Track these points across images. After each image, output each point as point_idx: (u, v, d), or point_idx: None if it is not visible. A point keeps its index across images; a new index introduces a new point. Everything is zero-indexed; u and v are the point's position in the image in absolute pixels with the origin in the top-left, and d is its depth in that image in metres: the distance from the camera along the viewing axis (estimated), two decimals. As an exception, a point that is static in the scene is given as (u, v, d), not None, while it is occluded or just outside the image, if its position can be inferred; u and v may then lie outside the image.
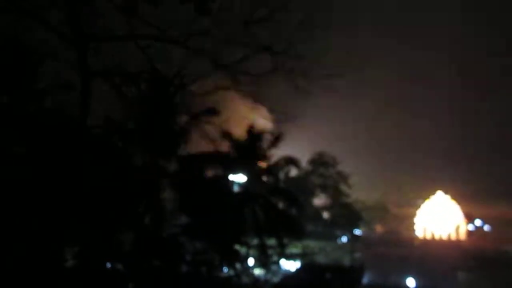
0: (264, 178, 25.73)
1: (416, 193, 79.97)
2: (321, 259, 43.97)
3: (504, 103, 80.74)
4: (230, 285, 19.90)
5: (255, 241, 24.64)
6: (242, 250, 22.57)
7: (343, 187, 54.42)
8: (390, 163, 73.64)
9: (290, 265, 36.95)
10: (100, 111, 16.28)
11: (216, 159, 20.58)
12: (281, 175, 28.35)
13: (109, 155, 16.85)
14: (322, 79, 15.06)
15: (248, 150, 24.62)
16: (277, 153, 25.95)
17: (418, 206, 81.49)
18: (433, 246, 71.34)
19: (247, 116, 22.21)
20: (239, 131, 24.26)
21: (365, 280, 40.87)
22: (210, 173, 20.84)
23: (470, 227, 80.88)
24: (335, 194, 54.21)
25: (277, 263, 32.99)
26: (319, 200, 54.94)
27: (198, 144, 19.26)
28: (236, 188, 24.70)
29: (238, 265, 20.80)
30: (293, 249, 34.22)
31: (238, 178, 24.58)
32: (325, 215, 55.62)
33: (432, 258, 57.57)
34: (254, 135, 24.71)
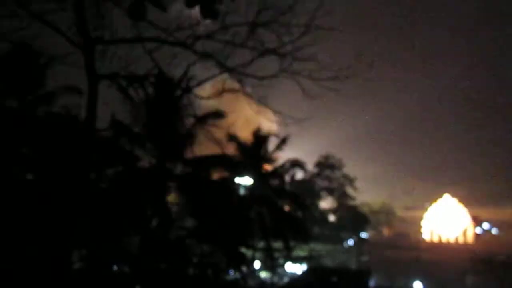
0: (270, 181, 25.72)
1: (423, 196, 79.66)
2: (327, 262, 43.84)
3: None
4: (236, 288, 19.91)
5: (261, 244, 24.63)
6: (249, 253, 22.56)
7: (350, 190, 54.26)
8: (397, 166, 73.41)
9: (296, 268, 36.89)
10: (107, 114, 16.36)
11: (223, 162, 20.60)
12: (287, 178, 28.33)
13: (116, 158, 16.94)
14: (328, 82, 15.04)
15: (254, 152, 24.65)
16: (283, 156, 25.98)
17: (425, 209, 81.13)
18: (440, 249, 70.98)
19: (253, 119, 22.22)
20: (245, 134, 24.30)
21: (372, 283, 40.70)
22: (216, 175, 20.87)
23: (478, 230, 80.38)
24: (341, 197, 54.05)
25: (283, 266, 32.96)
26: (325, 203, 54.83)
27: (204, 147, 19.28)
28: (242, 191, 24.72)
29: (244, 268, 20.78)
30: (299, 252, 34.15)
31: (244, 180, 24.60)
32: (332, 218, 55.46)
33: (440, 262, 57.26)
34: (260, 137, 24.74)
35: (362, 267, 45.76)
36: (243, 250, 21.03)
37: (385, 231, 77.84)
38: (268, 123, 23.01)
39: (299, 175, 34.19)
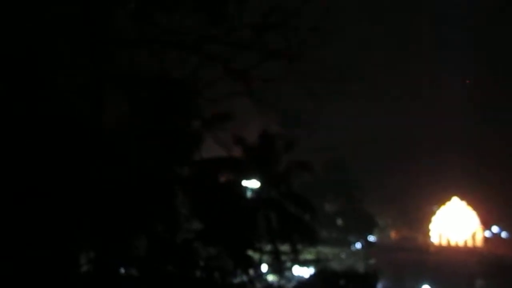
0: (277, 184, 25.68)
1: (431, 199, 79.10)
2: (335, 265, 43.65)
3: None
4: (243, 291, 19.85)
5: (268, 247, 24.57)
6: (256, 256, 22.51)
7: (357, 193, 54.05)
8: (405, 168, 72.96)
9: (304, 272, 36.77)
10: (113, 116, 16.40)
11: (229, 164, 20.62)
12: (294, 181, 28.25)
13: (122, 161, 16.96)
14: (335, 84, 14.99)
15: (261, 155, 24.62)
16: (290, 158, 25.91)
17: (433, 212, 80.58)
18: (449, 253, 70.42)
19: (260, 121, 22.21)
20: (252, 137, 24.29)
21: (380, 286, 40.46)
22: (223, 178, 20.86)
23: (487, 233, 79.68)
24: (349, 199, 53.87)
25: (291, 269, 32.85)
26: (332, 206, 54.65)
27: (211, 150, 19.30)
28: (249, 194, 24.69)
29: (251, 271, 20.73)
30: (307, 255, 34.03)
31: (251, 183, 24.58)
32: (339, 221, 55.26)
33: (448, 265, 56.82)
34: (267, 140, 24.71)
35: (370, 271, 45.46)
36: (250, 253, 20.98)
37: (393, 234, 77.40)
38: (275, 126, 23.01)
39: (306, 177, 34.12)
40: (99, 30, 13.80)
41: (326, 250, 43.94)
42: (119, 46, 14.34)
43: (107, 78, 14.29)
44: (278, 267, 26.81)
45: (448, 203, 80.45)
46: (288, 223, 24.87)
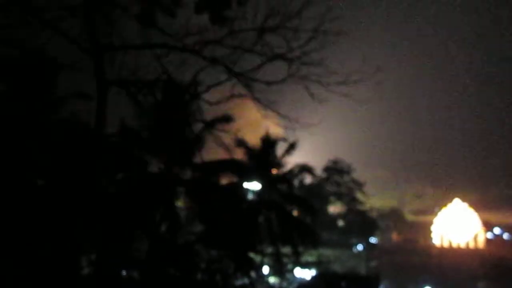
0: (279, 186, 25.67)
1: (433, 201, 79.04)
2: (336, 267, 43.57)
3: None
4: (245, 293, 19.85)
5: (270, 249, 24.55)
6: (257, 258, 22.51)
7: (359, 195, 53.98)
8: (406, 171, 72.97)
9: (305, 274, 36.72)
10: (117, 119, 16.46)
11: (231, 166, 20.61)
12: (296, 183, 28.26)
13: (125, 163, 17.02)
14: (336, 86, 15.01)
15: (263, 157, 24.62)
16: (291, 161, 25.91)
17: (435, 214, 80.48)
18: (450, 255, 70.27)
19: (261, 123, 22.24)
20: (254, 139, 24.30)
21: (382, 289, 40.42)
22: (225, 181, 20.88)
23: (489, 235, 79.53)
24: (350, 201, 53.78)
25: (292, 271, 32.82)
26: (334, 208, 54.58)
27: (212, 152, 19.31)
28: (250, 196, 24.69)
29: (253, 273, 20.73)
30: (308, 257, 33.96)
31: (253, 185, 24.57)
32: (340, 223, 55.18)
33: (450, 267, 56.72)
34: (268, 142, 24.71)
35: (371, 273, 45.43)
36: (252, 255, 20.98)
37: (395, 236, 77.29)
38: (277, 128, 23.03)
39: (308, 180, 34.14)
40: (102, 33, 13.86)
41: (327, 252, 43.85)
42: (122, 50, 14.39)
43: (110, 82, 14.34)
44: (280, 269, 26.79)
45: (449, 205, 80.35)
46: (290, 225, 24.84)
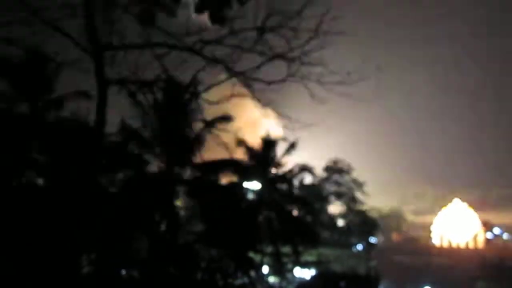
0: (279, 186, 25.68)
1: (433, 201, 79.08)
2: (336, 267, 43.55)
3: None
4: (244, 293, 19.86)
5: (269, 249, 24.57)
6: (257, 257, 22.52)
7: (359, 195, 53.94)
8: (406, 171, 73.04)
9: (305, 273, 36.71)
10: (117, 119, 16.47)
11: (231, 166, 20.62)
12: (296, 182, 28.27)
13: (125, 163, 17.03)
14: (337, 86, 15.01)
15: (263, 157, 24.64)
16: (291, 160, 25.93)
17: (435, 214, 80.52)
18: (450, 255, 70.29)
19: (261, 123, 22.25)
20: (254, 139, 24.32)
21: (381, 288, 40.42)
22: (225, 180, 20.89)
23: (489, 235, 79.56)
24: (350, 201, 53.74)
25: (292, 271, 32.84)
26: (334, 208, 54.56)
27: (212, 151, 19.32)
28: (250, 196, 24.69)
29: (252, 273, 20.74)
30: (308, 257, 33.95)
31: (253, 185, 24.58)
32: (340, 222, 55.14)
33: (450, 267, 56.74)
34: (268, 142, 24.73)
35: (371, 273, 45.37)
36: (252, 254, 20.99)
37: (395, 236, 77.29)
38: (277, 128, 23.04)
39: (308, 179, 34.11)
40: (102, 33, 13.87)
41: (327, 252, 43.81)
42: (122, 49, 14.39)
43: (110, 81, 14.35)
44: (279, 269, 26.82)
45: (449, 205, 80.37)
46: (290, 225, 24.86)
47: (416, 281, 48.00)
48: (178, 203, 18.41)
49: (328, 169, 52.48)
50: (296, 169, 26.40)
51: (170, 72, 15.33)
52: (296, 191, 28.35)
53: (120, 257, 16.07)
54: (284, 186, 26.04)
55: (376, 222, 57.91)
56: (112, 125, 15.89)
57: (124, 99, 15.61)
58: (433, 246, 77.36)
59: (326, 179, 51.84)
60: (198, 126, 18.65)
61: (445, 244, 78.76)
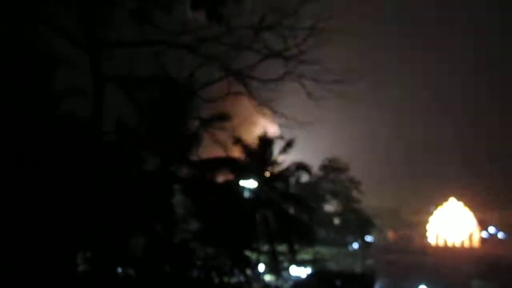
0: (275, 184, 25.68)
1: (428, 200, 79.27)
2: (332, 265, 43.67)
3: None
4: (240, 291, 19.85)
5: (266, 247, 24.57)
6: (253, 256, 22.51)
7: (355, 193, 54.04)
8: (402, 170, 73.14)
9: (301, 272, 36.76)
10: (113, 116, 16.42)
11: (227, 164, 20.60)
12: (292, 181, 28.26)
13: (121, 161, 16.97)
14: (333, 85, 15.05)
15: (259, 155, 24.61)
16: (288, 159, 25.92)
17: (430, 213, 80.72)
18: (446, 254, 70.52)
19: (258, 121, 22.24)
20: (250, 137, 24.28)
21: (377, 287, 40.50)
22: (221, 178, 20.86)
23: (484, 234, 79.84)
24: (347, 200, 53.83)
25: (288, 269, 32.87)
26: (330, 206, 54.61)
27: (209, 150, 19.31)
28: (247, 194, 24.68)
29: (248, 271, 20.73)
30: (304, 256, 34.00)
31: (249, 183, 24.56)
32: (336, 221, 55.22)
33: (445, 266, 56.93)
34: (265, 140, 24.70)
35: (367, 271, 45.48)
36: (248, 253, 20.98)
37: (390, 235, 77.49)
38: (273, 126, 23.04)
39: (304, 178, 34.12)
40: (99, 30, 13.83)
41: (323, 250, 43.88)
42: (118, 47, 14.36)
43: (106, 78, 14.31)
44: (275, 267, 26.84)
45: (445, 204, 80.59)
46: (286, 223, 24.86)
47: (412, 280, 48.13)
48: (174, 201, 18.38)
49: (324, 167, 52.55)
50: (293, 168, 26.39)
51: (167, 70, 15.32)
52: (292, 190, 28.34)
53: (116, 255, 16.04)
54: (280, 185, 26.02)
55: (372, 221, 58.01)
56: (108, 123, 15.85)
57: (120, 97, 15.59)
58: (429, 245, 77.57)
59: (322, 178, 51.90)
60: (194, 124, 18.62)
61: (441, 243, 78.99)
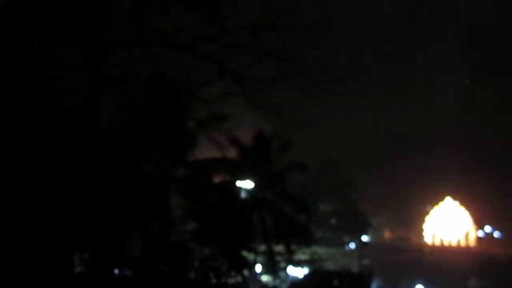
0: (272, 184, 25.68)
1: (425, 199, 79.45)
2: (329, 265, 43.73)
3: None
4: (238, 292, 19.85)
5: (263, 248, 24.57)
6: (250, 256, 22.51)
7: (351, 193, 54.21)
8: (399, 169, 73.29)
9: (298, 272, 36.80)
10: (109, 117, 16.37)
11: (224, 165, 20.60)
12: (289, 181, 28.28)
13: (117, 161, 16.92)
14: (330, 85, 15.05)
15: (256, 156, 24.61)
16: (285, 159, 25.92)
17: (427, 212, 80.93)
18: (442, 253, 70.73)
19: (254, 121, 22.24)
20: (247, 137, 24.27)
21: (374, 287, 40.58)
22: (218, 179, 20.85)
23: (480, 233, 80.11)
24: (343, 200, 54.01)
25: (285, 269, 32.88)
26: (327, 206, 54.74)
27: (206, 150, 19.30)
28: (244, 194, 24.68)
29: (246, 272, 20.73)
30: (301, 256, 34.03)
31: (246, 184, 24.56)
32: (333, 221, 55.36)
33: (442, 265, 57.09)
34: (261, 141, 24.70)
35: (364, 271, 45.56)
36: (245, 253, 20.98)
37: (387, 234, 77.67)
38: (270, 126, 23.04)
39: (301, 178, 34.15)
40: (94, 30, 13.79)
41: (320, 250, 43.99)
42: (114, 47, 14.32)
43: (102, 79, 14.27)
44: (273, 268, 26.83)
45: (441, 203, 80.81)
46: (283, 224, 24.87)
47: (409, 279, 48.29)
48: (171, 201, 18.35)
49: (321, 167, 52.68)
50: (290, 168, 26.40)
51: (163, 70, 15.30)
52: (289, 190, 28.35)
53: (113, 256, 16.00)
54: (277, 185, 26.02)
55: (368, 220, 58.20)
56: (104, 123, 15.81)
57: (116, 97, 15.54)
58: (426, 244, 77.75)
59: (319, 178, 52.03)
60: (191, 124, 18.60)
61: (437, 242, 79.18)
